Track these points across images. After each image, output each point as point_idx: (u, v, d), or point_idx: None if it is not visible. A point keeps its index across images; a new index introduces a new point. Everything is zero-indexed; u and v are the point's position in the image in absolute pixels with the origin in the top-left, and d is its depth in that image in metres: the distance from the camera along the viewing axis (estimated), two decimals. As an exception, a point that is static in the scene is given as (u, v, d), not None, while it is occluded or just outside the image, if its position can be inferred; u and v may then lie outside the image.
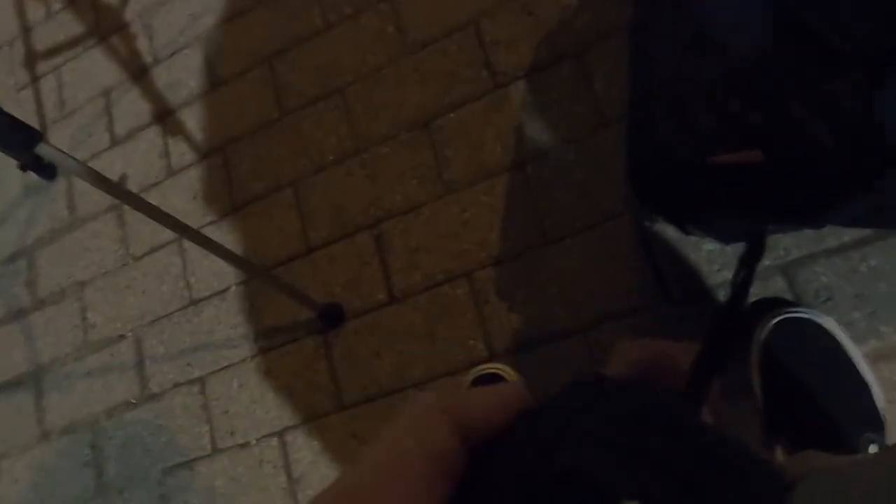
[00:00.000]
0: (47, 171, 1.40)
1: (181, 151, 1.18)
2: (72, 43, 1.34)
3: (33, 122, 1.17)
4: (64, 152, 0.64)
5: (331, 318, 0.97)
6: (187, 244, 1.12)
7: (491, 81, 0.98)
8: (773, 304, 0.75)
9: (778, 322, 0.72)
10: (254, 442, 1.00)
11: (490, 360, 0.89)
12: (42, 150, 0.62)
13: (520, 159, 0.94)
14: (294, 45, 1.14)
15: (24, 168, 1.40)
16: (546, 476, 0.20)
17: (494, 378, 0.86)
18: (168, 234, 1.14)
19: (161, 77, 1.24)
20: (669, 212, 0.76)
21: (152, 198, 1.17)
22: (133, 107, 1.24)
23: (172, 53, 1.24)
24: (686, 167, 0.65)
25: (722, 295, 0.79)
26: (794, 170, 0.62)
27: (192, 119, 1.19)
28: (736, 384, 0.75)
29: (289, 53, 1.14)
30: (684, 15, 0.69)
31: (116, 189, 0.71)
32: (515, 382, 0.76)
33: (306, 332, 1.00)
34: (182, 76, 1.22)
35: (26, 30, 1.40)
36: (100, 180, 0.68)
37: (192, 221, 1.07)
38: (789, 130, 0.62)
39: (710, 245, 0.81)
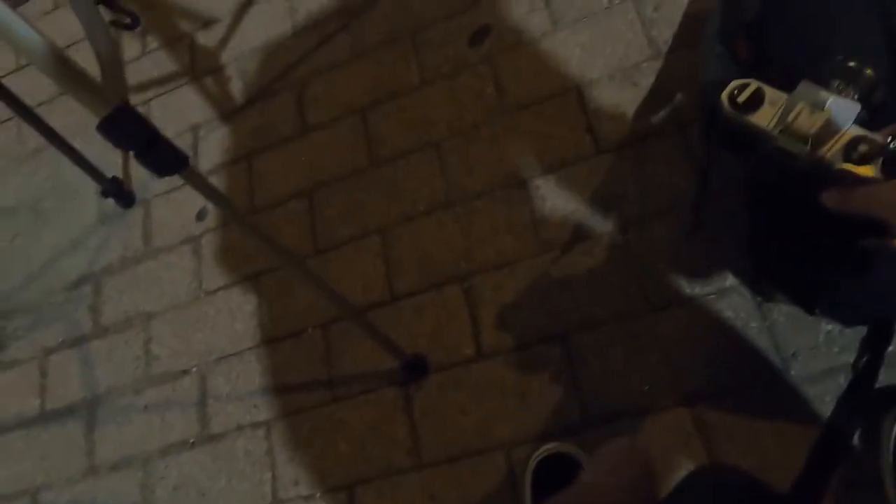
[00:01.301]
0: (126, 198, 1.40)
1: (266, 190, 1.19)
2: (164, 80, 1.38)
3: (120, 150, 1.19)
4: (207, 180, 0.64)
5: (414, 369, 0.95)
6: (264, 281, 1.11)
7: (593, 147, 0.99)
8: (902, 392, 0.73)
9: (909, 411, 0.69)
10: (319, 495, 0.95)
11: (584, 427, 0.85)
12: (188, 175, 0.62)
13: (621, 224, 0.94)
14: (388, 99, 1.17)
15: (105, 194, 1.40)
16: None
17: (560, 458, 0.82)
18: (244, 271, 1.13)
19: (251, 119, 1.26)
20: (799, 293, 0.74)
21: (233, 233, 1.17)
22: (220, 144, 1.26)
23: (265, 97, 1.27)
24: (835, 252, 0.64)
25: (843, 379, 0.76)
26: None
27: (278, 161, 1.21)
28: (859, 473, 0.72)
29: (383, 106, 1.17)
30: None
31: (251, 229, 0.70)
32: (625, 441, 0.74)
33: (386, 383, 0.97)
34: (271, 119, 1.25)
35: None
36: (234, 216, 0.68)
37: (273, 260, 1.07)
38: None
39: (828, 325, 0.79)
